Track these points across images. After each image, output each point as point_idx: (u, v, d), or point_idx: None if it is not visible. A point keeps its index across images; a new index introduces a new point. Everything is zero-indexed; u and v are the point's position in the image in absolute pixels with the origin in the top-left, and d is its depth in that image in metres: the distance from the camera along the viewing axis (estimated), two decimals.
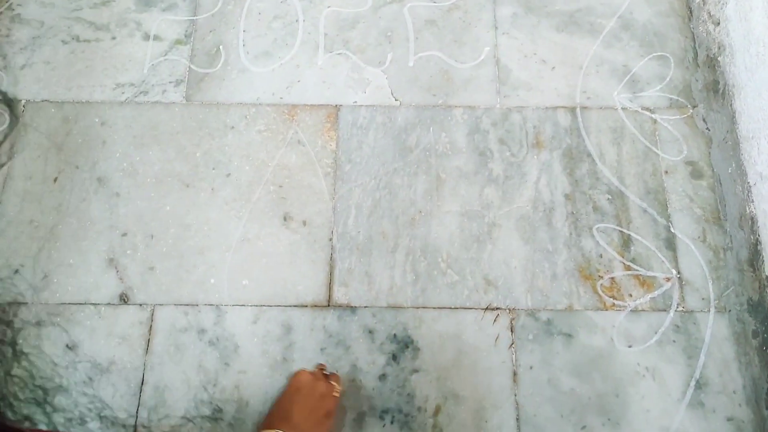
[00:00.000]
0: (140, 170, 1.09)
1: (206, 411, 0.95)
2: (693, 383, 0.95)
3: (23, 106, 1.14)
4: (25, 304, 1.01)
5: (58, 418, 0.94)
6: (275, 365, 0.97)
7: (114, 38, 1.19)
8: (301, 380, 0.87)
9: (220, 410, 0.95)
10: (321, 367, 0.95)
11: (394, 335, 0.99)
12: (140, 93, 1.14)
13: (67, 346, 0.98)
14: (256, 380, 0.97)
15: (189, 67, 1.17)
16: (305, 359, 0.98)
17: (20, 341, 0.98)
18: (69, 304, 1.01)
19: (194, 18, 1.21)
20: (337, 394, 0.89)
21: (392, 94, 1.14)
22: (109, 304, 1.01)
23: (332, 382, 0.90)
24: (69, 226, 1.05)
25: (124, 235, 1.05)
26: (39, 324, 0.99)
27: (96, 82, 1.16)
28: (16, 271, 1.02)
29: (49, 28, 1.20)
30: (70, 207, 1.06)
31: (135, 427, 0.94)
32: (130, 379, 0.97)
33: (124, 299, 1.01)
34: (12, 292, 1.01)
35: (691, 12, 1.19)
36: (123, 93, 1.14)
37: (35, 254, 1.03)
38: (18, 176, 1.08)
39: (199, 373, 0.97)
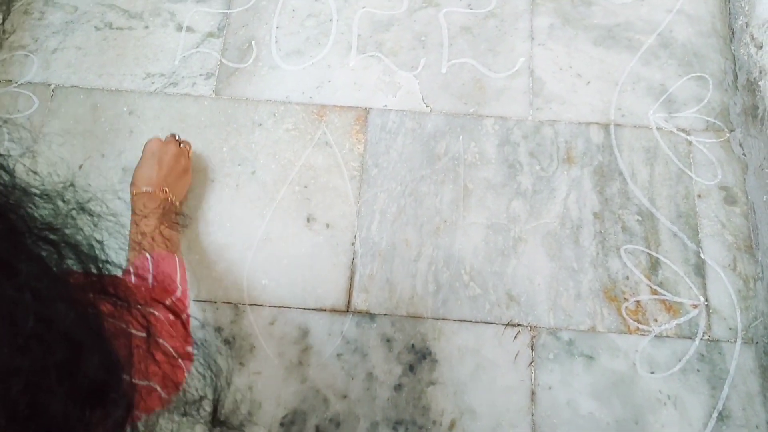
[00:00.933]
0: None
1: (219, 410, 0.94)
2: (715, 415, 0.93)
3: (52, 91, 1.13)
4: None
5: None
6: (291, 368, 0.96)
7: (147, 27, 1.18)
8: (154, 145, 0.96)
9: (232, 411, 0.94)
10: (173, 135, 1.01)
11: (413, 345, 0.98)
12: (170, 84, 1.14)
13: None
14: (271, 382, 0.96)
15: (220, 60, 1.16)
16: (321, 364, 0.96)
17: None
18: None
19: (228, 11, 1.20)
20: (190, 155, 1.01)
21: (423, 99, 1.12)
22: None
23: (184, 145, 1.00)
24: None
25: None
26: None
27: (126, 70, 1.15)
28: None
29: (83, 13, 1.19)
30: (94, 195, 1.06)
31: None
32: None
33: None
34: None
35: (733, 33, 1.17)
36: (153, 83, 1.14)
37: None
38: (43, 161, 1.08)
39: (213, 372, 0.96)
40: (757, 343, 0.96)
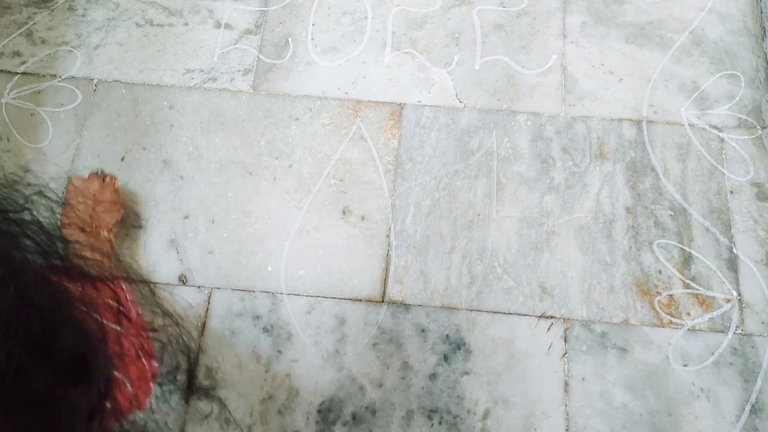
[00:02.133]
0: (205, 155, 1.11)
1: (257, 396, 0.96)
2: (748, 408, 0.94)
3: (95, 85, 1.17)
4: None
5: None
6: (327, 357, 0.98)
7: (186, 24, 1.21)
8: (73, 184, 0.96)
9: (270, 396, 0.96)
10: (96, 170, 1.01)
11: (447, 336, 0.99)
12: (209, 80, 1.16)
13: None
14: (308, 370, 0.98)
15: (257, 57, 1.18)
16: (357, 353, 0.98)
17: None
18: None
19: (265, 9, 1.22)
20: (116, 186, 1.00)
21: (457, 95, 1.14)
22: (168, 284, 1.03)
23: (109, 180, 0.99)
24: (134, 205, 1.07)
25: (186, 217, 1.07)
26: None
27: (167, 66, 1.18)
28: None
29: (125, 10, 1.23)
30: (135, 186, 1.09)
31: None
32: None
33: (182, 280, 1.03)
34: None
35: (764, 32, 1.17)
36: (192, 78, 1.17)
37: None
38: (86, 153, 1.11)
39: (252, 359, 0.98)
40: None
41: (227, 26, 1.21)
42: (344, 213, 1.07)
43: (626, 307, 1.00)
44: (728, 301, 1.00)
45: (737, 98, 1.13)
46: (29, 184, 0.37)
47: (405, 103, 1.14)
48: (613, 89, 1.14)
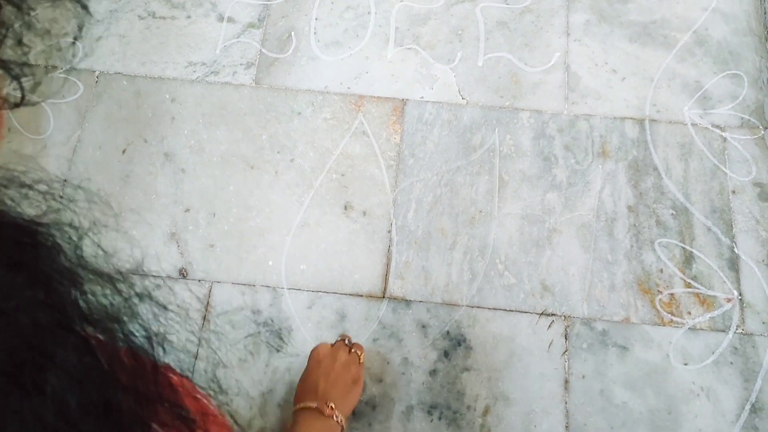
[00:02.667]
0: (207, 148, 1.10)
1: (257, 390, 0.96)
2: (748, 407, 0.94)
3: (97, 77, 1.16)
4: None
5: None
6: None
7: (189, 17, 1.21)
8: (320, 352, 0.87)
9: (270, 391, 0.96)
10: (343, 338, 0.93)
11: (448, 332, 0.99)
12: (211, 73, 1.16)
13: None
14: None
15: (260, 50, 1.18)
16: None
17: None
18: (129, 274, 1.02)
19: (268, 3, 1.22)
20: (361, 361, 0.89)
21: (459, 92, 1.14)
22: (168, 277, 1.03)
23: (355, 351, 0.90)
24: (134, 198, 1.07)
25: (187, 210, 1.06)
26: None
27: (169, 58, 1.17)
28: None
29: (127, 2, 1.22)
30: (136, 179, 1.08)
31: None
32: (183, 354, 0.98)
33: (183, 274, 1.03)
34: None
35: None
36: (194, 71, 1.16)
37: None
38: (88, 145, 1.11)
39: (252, 353, 0.98)
40: None
41: (230, 19, 1.21)
42: (346, 208, 1.07)
43: (627, 306, 1.00)
44: (729, 300, 1.00)
45: (740, 98, 1.13)
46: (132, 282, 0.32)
47: (407, 99, 1.14)
48: (616, 88, 1.14)
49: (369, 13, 1.21)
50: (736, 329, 0.98)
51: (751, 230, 1.04)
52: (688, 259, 1.02)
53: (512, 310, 1.00)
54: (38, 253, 0.29)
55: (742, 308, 0.99)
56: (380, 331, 0.99)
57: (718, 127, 1.11)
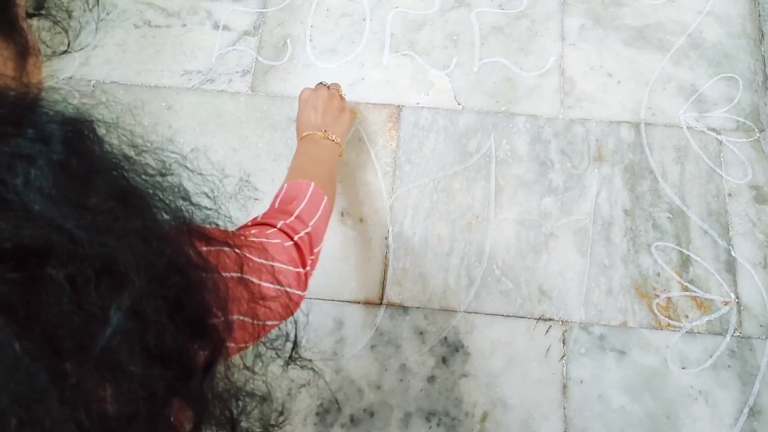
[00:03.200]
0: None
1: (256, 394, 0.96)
2: (746, 410, 0.94)
3: (92, 86, 1.16)
4: None
5: None
6: (325, 359, 0.98)
7: (184, 25, 1.21)
8: (304, 94, 0.99)
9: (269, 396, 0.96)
10: (320, 82, 1.03)
11: (445, 338, 0.99)
12: (207, 81, 1.16)
13: None
14: (305, 372, 0.97)
15: (256, 58, 1.18)
16: (355, 355, 0.98)
17: None
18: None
19: (263, 10, 1.22)
20: (341, 93, 1.03)
21: (455, 97, 1.14)
22: None
23: (333, 87, 1.02)
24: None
25: None
26: None
27: (165, 67, 1.18)
28: None
29: (123, 11, 1.22)
30: None
31: None
32: None
33: None
34: None
35: (762, 35, 1.18)
36: (190, 80, 1.16)
37: None
38: None
39: (250, 360, 0.98)
40: None
41: (225, 27, 1.21)
42: (342, 215, 1.07)
43: (624, 310, 1.00)
44: (726, 303, 1.00)
45: (735, 101, 1.13)
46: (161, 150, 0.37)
47: (403, 105, 1.14)
48: (612, 92, 1.14)
49: (364, 19, 1.21)
50: (734, 332, 0.98)
51: (748, 233, 1.04)
52: (684, 263, 1.02)
53: (510, 316, 1.00)
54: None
55: (739, 311, 0.99)
56: (378, 337, 0.99)
57: (713, 130, 1.11)
